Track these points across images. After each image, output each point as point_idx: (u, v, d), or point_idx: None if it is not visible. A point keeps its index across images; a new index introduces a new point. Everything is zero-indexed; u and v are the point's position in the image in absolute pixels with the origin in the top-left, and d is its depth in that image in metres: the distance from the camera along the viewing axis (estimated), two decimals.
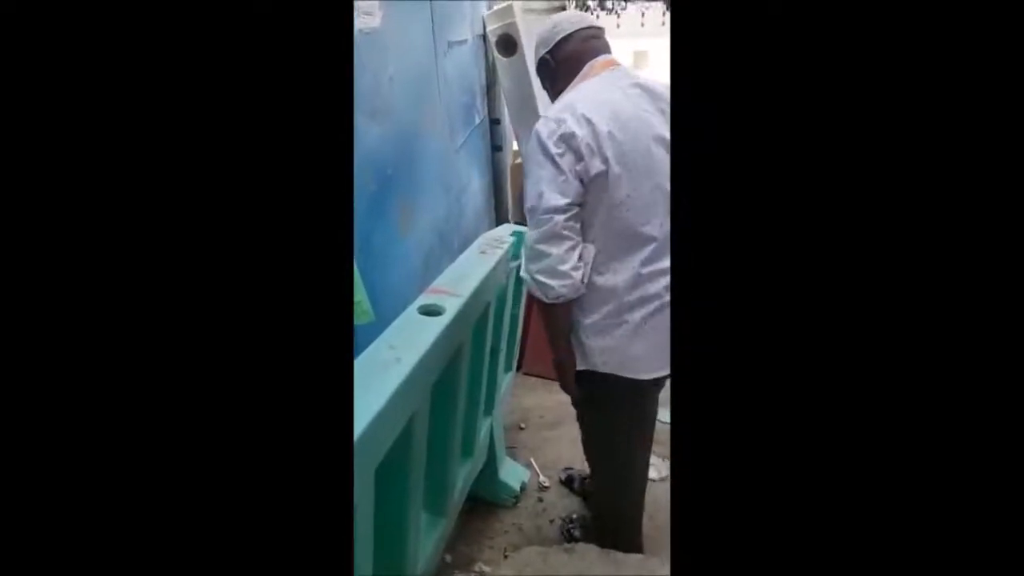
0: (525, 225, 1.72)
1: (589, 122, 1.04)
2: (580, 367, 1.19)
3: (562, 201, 1.04)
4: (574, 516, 1.61)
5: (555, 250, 1.05)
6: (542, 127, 1.07)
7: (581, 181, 1.05)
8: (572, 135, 1.03)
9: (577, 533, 1.54)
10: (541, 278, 1.08)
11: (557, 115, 1.07)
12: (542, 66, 1.23)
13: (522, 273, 1.15)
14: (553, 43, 1.18)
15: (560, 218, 1.04)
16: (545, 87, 1.29)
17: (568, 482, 1.77)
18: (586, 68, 1.16)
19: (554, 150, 1.04)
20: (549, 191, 1.04)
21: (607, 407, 1.25)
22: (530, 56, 2.69)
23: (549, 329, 1.20)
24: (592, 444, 1.37)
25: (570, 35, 1.17)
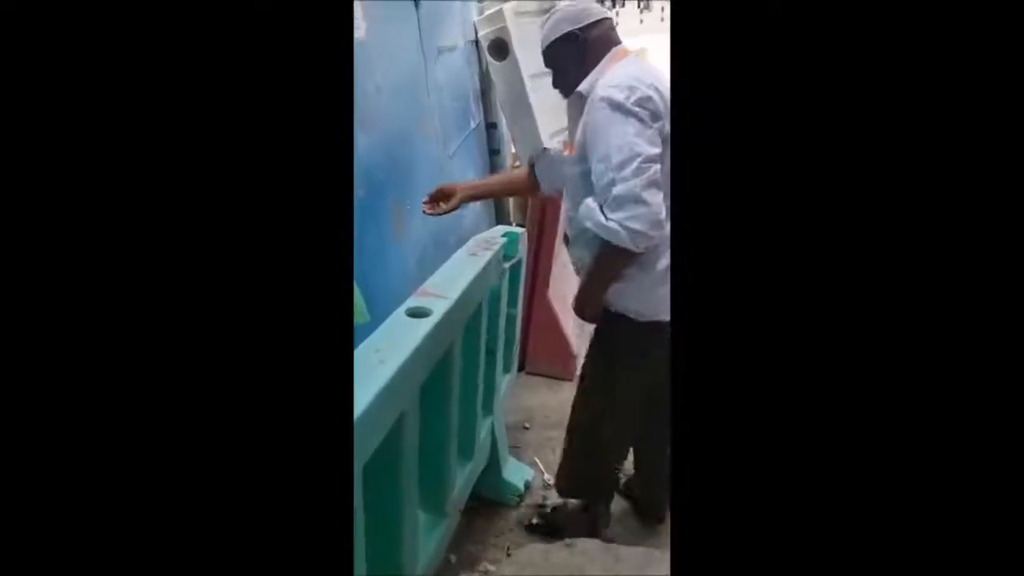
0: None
1: (656, 89, 1.13)
2: (645, 318, 1.24)
3: (654, 151, 1.10)
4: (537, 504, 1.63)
5: (655, 199, 1.09)
6: (614, 93, 1.12)
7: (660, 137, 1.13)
8: (648, 98, 1.11)
9: (535, 520, 1.57)
10: (636, 226, 1.09)
11: (626, 83, 1.13)
12: (566, 40, 1.24)
13: (604, 223, 1.13)
14: (585, 22, 1.24)
15: (657, 167, 1.10)
16: (560, 63, 1.29)
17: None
18: (612, 52, 1.24)
19: (636, 109, 1.10)
20: (642, 142, 1.10)
21: (644, 357, 1.29)
22: (523, 59, 2.70)
23: (607, 276, 1.23)
24: (601, 390, 1.39)
25: (600, 20, 1.26)
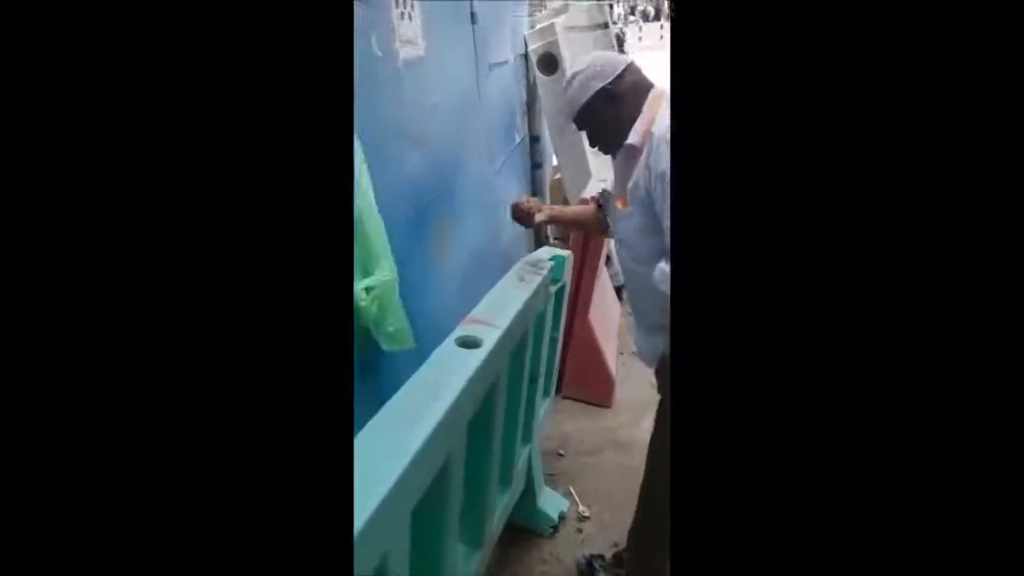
0: (564, 243, 1.67)
1: None
2: None
3: None
4: (591, 554, 1.56)
5: None
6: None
7: None
8: None
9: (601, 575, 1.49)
10: None
11: None
12: (600, 97, 1.18)
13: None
14: (615, 75, 1.17)
15: None
16: (597, 121, 1.22)
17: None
18: (651, 96, 1.17)
19: None
20: None
21: None
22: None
23: None
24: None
25: (627, 67, 1.18)
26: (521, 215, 1.49)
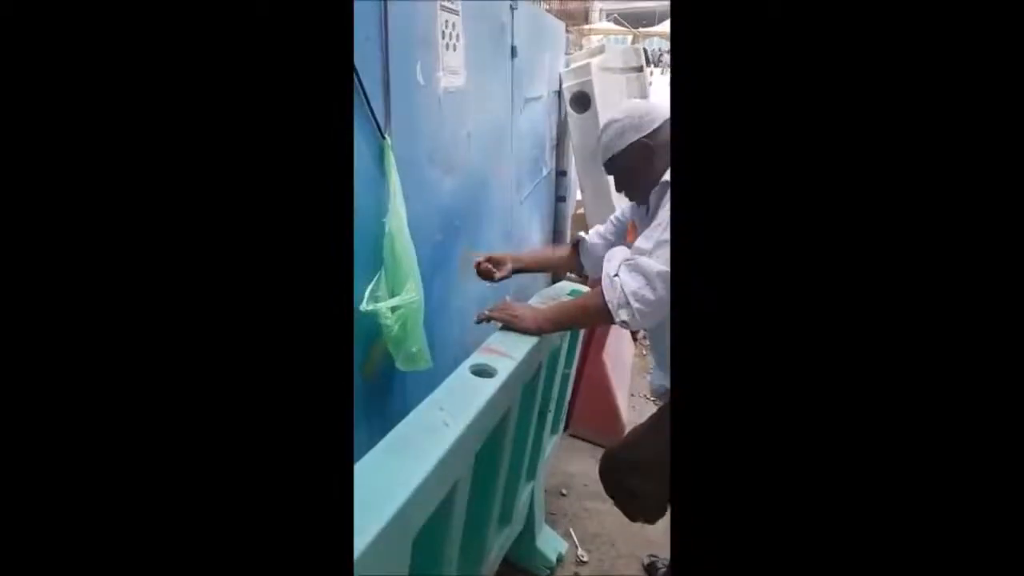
0: (580, 276, 1.68)
1: None
2: None
3: None
4: None
5: None
6: None
7: None
8: None
9: None
10: None
11: None
12: (634, 151, 1.17)
13: None
14: (652, 128, 1.16)
15: None
16: (629, 171, 1.22)
17: (650, 570, 1.65)
18: None
19: None
20: None
21: None
22: (603, 114, 2.72)
23: None
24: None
25: (666, 121, 1.16)
26: (493, 264, 1.39)
